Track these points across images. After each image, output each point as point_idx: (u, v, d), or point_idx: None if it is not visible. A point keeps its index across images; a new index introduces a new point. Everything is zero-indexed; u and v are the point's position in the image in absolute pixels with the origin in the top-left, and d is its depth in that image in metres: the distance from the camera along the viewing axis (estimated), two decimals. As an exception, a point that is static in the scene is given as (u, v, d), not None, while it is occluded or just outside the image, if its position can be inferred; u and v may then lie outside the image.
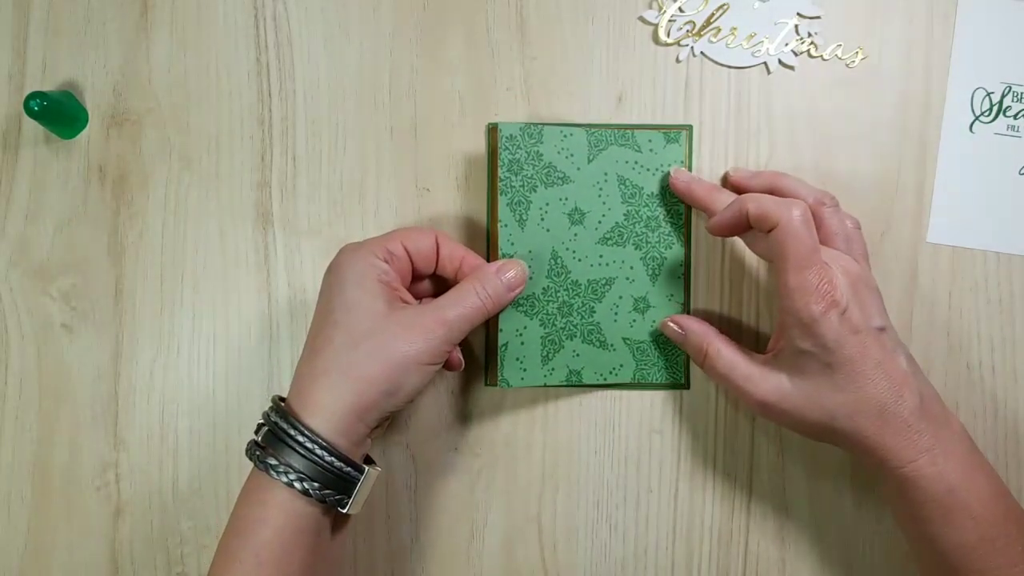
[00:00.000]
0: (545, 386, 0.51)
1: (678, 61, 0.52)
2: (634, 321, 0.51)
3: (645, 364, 0.51)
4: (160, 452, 0.52)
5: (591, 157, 0.50)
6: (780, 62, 0.52)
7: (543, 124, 0.50)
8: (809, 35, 0.51)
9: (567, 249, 0.50)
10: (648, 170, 0.51)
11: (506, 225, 0.49)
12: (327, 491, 0.41)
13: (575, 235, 0.50)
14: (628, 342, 0.51)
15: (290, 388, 0.44)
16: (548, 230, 0.50)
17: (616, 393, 0.52)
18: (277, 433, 0.42)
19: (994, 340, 0.52)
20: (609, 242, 0.51)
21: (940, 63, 0.52)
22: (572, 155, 0.50)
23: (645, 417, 0.52)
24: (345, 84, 0.52)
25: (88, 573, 0.52)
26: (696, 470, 0.52)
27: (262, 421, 0.44)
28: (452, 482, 0.52)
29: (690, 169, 0.51)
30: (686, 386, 0.52)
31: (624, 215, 0.51)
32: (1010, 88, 0.51)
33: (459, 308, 0.44)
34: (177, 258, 0.52)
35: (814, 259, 0.42)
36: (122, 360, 0.52)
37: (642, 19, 0.52)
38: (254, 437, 0.44)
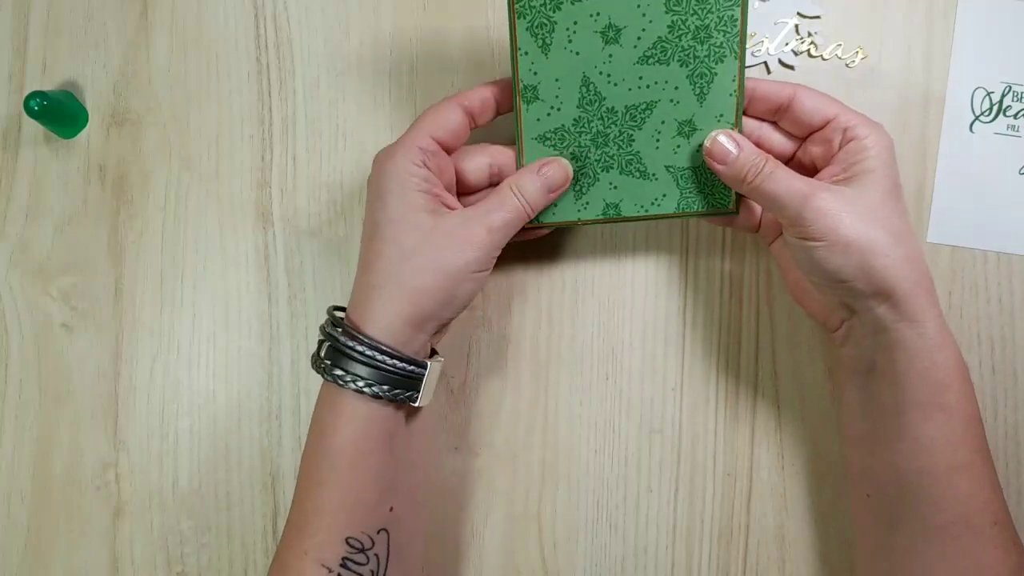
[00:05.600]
0: (580, 222, 0.48)
1: (678, 61, 0.52)
2: (678, 147, 0.46)
3: (690, 192, 0.47)
4: (160, 452, 0.52)
5: None
6: (780, 62, 0.52)
7: None
8: (809, 35, 0.51)
9: (600, 73, 0.44)
10: None
11: (526, 53, 0.43)
12: (396, 391, 0.42)
13: (610, 56, 0.44)
14: (671, 170, 0.47)
15: (350, 299, 0.44)
16: (577, 53, 0.44)
17: (616, 392, 0.52)
18: (339, 347, 0.42)
19: (994, 340, 0.52)
20: (651, 60, 0.44)
21: (940, 63, 0.52)
22: None
23: (645, 417, 0.52)
24: (345, 84, 0.52)
25: (88, 573, 0.52)
26: (696, 470, 0.52)
27: (321, 337, 0.44)
28: (452, 482, 0.52)
29: None
30: (735, 211, 0.48)
31: (668, 27, 0.43)
32: (1010, 88, 0.51)
33: (502, 213, 0.44)
34: (177, 258, 0.53)
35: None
36: (122, 360, 0.52)
37: (642, 19, 0.52)
38: (315, 351, 0.44)
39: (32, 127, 0.52)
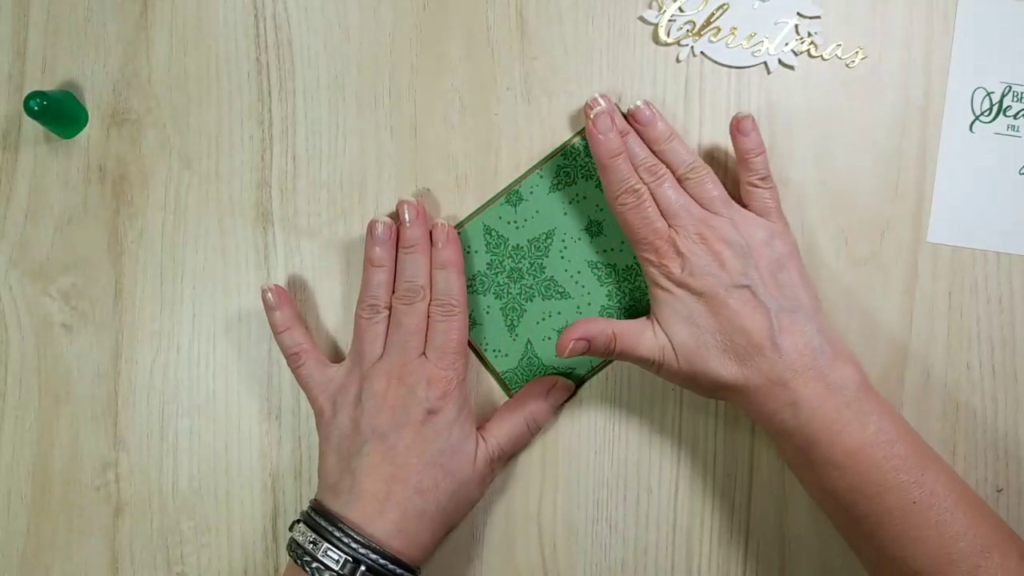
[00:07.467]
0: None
1: (678, 61, 0.52)
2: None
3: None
4: (160, 452, 0.52)
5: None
6: (780, 62, 0.52)
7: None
8: (809, 35, 0.51)
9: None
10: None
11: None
12: None
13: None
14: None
15: (371, 501, 0.45)
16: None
17: (616, 392, 0.52)
18: (329, 540, 0.44)
19: (994, 340, 0.52)
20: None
21: (940, 63, 0.52)
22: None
23: (645, 417, 0.52)
24: (345, 84, 0.52)
25: (88, 573, 0.52)
26: (696, 470, 0.52)
27: (312, 536, 0.45)
28: (452, 482, 0.52)
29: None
30: None
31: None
32: (1010, 88, 0.51)
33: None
34: (177, 258, 0.53)
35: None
36: (122, 360, 0.52)
37: (642, 19, 0.52)
38: (294, 536, 0.46)
39: (32, 127, 0.52)
